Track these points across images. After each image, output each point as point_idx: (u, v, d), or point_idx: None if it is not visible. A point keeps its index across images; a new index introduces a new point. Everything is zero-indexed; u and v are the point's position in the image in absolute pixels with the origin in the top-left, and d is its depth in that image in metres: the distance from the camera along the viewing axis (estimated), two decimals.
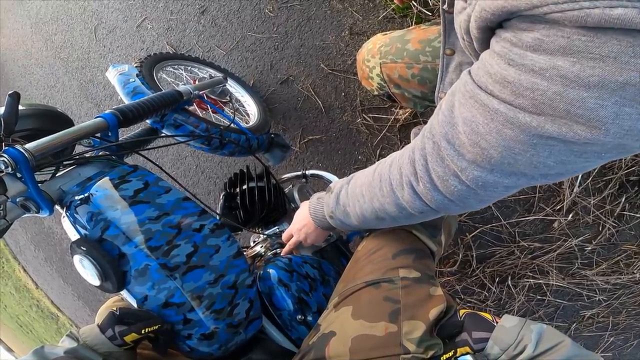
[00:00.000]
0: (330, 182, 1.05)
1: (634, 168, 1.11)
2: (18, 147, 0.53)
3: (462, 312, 0.51)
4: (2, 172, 0.53)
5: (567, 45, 0.29)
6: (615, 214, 1.17)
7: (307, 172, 1.07)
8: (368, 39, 1.32)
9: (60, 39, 2.20)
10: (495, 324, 0.46)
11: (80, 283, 3.19)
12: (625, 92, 0.28)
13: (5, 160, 0.51)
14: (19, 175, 0.54)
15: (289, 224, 0.95)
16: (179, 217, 0.60)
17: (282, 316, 0.66)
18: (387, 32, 0.84)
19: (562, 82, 0.30)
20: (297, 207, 0.98)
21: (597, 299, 1.28)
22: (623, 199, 1.15)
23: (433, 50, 0.71)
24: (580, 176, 1.15)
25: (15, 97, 0.58)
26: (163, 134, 0.93)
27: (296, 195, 0.99)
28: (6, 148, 0.52)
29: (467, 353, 0.46)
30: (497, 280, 1.35)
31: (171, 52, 1.72)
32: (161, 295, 0.55)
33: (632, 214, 1.16)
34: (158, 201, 0.60)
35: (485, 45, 0.38)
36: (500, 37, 0.34)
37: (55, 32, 2.21)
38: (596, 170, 1.14)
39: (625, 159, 1.11)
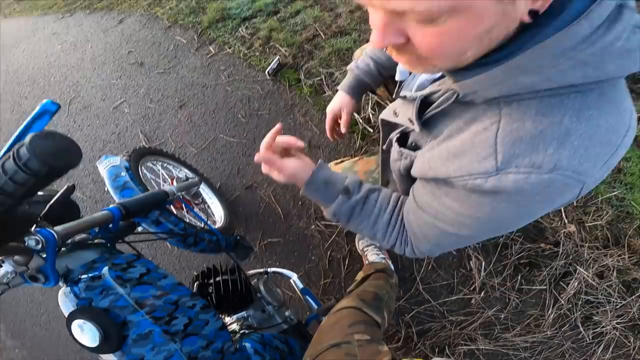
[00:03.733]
0: (289, 278, 1.23)
1: (522, 254, 1.47)
2: (50, 229, 0.65)
3: None
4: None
5: (457, 197, 0.51)
6: (516, 289, 1.48)
7: (269, 269, 1.25)
8: (323, 152, 1.65)
9: (29, 105, 2.17)
10: None
11: None
12: (481, 219, 0.52)
13: (38, 239, 0.62)
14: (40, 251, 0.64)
15: (255, 310, 1.09)
16: (176, 296, 0.74)
17: None
18: (339, 161, 1.04)
19: (456, 213, 0.53)
20: (262, 297, 1.13)
21: (522, 356, 1.46)
22: (519, 277, 1.47)
23: (374, 181, 0.92)
24: (483, 262, 1.48)
25: (71, 190, 0.71)
26: (143, 229, 1.03)
27: (262, 287, 1.15)
28: (39, 229, 0.64)
29: None
30: (437, 350, 1.52)
31: (144, 142, 1.87)
32: (160, 356, 0.66)
33: (529, 287, 1.47)
34: (159, 283, 0.74)
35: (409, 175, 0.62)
36: (428, 181, 0.57)
37: (27, 96, 2.18)
38: (495, 257, 1.48)
39: (513, 249, 1.46)
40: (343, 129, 0.90)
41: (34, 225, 0.67)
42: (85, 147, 2.00)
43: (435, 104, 0.50)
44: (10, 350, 2.41)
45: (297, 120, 1.69)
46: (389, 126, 0.65)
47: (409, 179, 0.64)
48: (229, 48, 1.88)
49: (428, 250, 0.66)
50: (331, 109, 0.93)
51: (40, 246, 0.62)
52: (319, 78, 1.71)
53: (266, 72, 1.77)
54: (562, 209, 1.46)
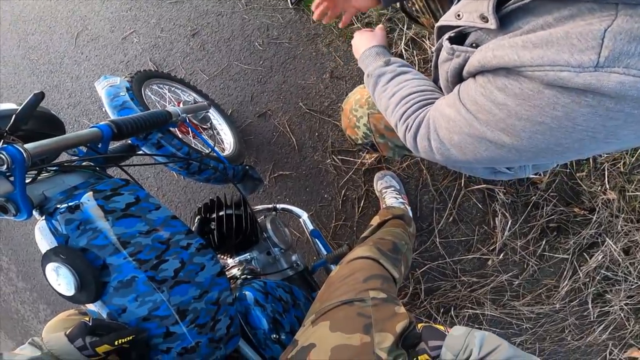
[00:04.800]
0: (299, 217, 1.11)
1: (553, 217, 1.31)
2: (18, 146, 0.51)
3: (419, 325, 0.58)
4: None
5: (519, 93, 0.43)
6: (537, 254, 1.35)
7: (278, 205, 1.11)
8: (346, 83, 1.45)
9: (36, 40, 2.06)
10: (447, 333, 0.53)
11: (4, 315, 2.73)
12: (539, 127, 0.43)
13: (3, 157, 0.49)
14: (8, 174, 0.51)
15: (259, 252, 0.98)
16: (167, 233, 0.61)
17: (257, 335, 0.67)
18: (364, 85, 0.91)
19: (507, 113, 0.45)
20: (269, 237, 1.01)
21: (524, 326, 1.41)
22: (544, 242, 1.33)
23: None
24: (510, 221, 1.32)
25: (40, 97, 0.56)
26: (142, 152, 0.91)
27: (269, 226, 1.02)
28: (5, 145, 0.50)
29: None
30: (442, 310, 1.45)
31: (153, 69, 1.70)
32: (144, 308, 0.54)
33: (551, 254, 1.35)
34: (148, 217, 0.60)
35: (458, 82, 0.54)
36: (483, 75, 0.48)
37: (34, 32, 2.07)
38: (523, 217, 1.32)
39: (544, 210, 1.30)
40: (342, 21, 0.83)
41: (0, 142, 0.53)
42: (93, 76, 1.90)
43: None
44: (22, 293, 2.46)
45: (319, 50, 1.49)
46: (443, 31, 0.57)
47: (455, 86, 0.55)
48: None
49: (441, 150, 0.57)
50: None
51: (5, 166, 0.49)
52: None
53: (288, 0, 1.52)
54: (607, 173, 1.26)
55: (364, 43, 0.76)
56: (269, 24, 1.56)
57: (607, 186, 1.27)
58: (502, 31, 0.46)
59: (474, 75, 0.50)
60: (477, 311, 1.42)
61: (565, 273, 1.36)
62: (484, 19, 0.47)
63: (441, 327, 0.55)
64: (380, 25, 0.80)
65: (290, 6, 1.54)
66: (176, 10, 1.73)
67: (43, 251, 0.55)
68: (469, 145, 0.52)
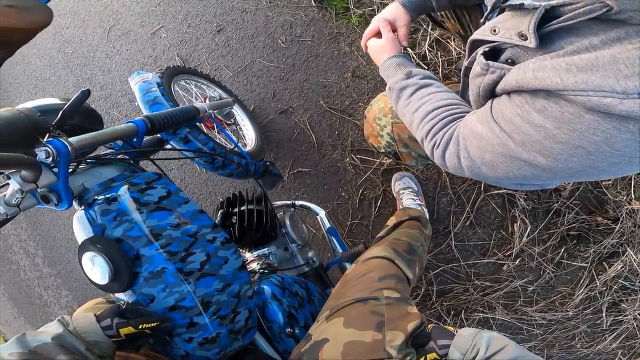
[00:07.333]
0: (317, 214, 1.13)
1: (574, 225, 1.28)
2: (63, 140, 0.53)
3: (430, 326, 0.59)
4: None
5: (559, 116, 0.42)
6: (555, 262, 1.33)
7: (296, 202, 1.13)
8: (368, 83, 1.45)
9: (70, 34, 2.14)
10: (455, 334, 0.54)
11: (27, 300, 2.81)
12: (577, 151, 0.43)
13: (49, 150, 0.51)
14: (52, 166, 0.54)
15: (277, 248, 1.00)
16: (196, 227, 0.63)
17: (273, 328, 0.69)
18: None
19: (544, 136, 0.44)
20: (287, 233, 1.03)
21: (535, 332, 1.40)
22: (563, 250, 1.31)
23: None
24: (529, 227, 1.30)
25: (87, 95, 0.59)
26: (170, 146, 0.95)
27: (288, 222, 1.04)
28: (51, 139, 0.53)
29: (435, 359, 0.53)
30: (452, 313, 1.45)
31: (180, 64, 1.75)
32: (171, 299, 0.57)
33: (569, 262, 1.32)
34: (179, 210, 0.63)
35: (490, 97, 0.53)
36: (519, 94, 0.47)
37: (68, 27, 2.15)
38: (543, 224, 1.30)
39: (566, 218, 1.27)
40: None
41: (46, 136, 0.56)
42: (124, 70, 1.97)
43: (566, 17, 0.42)
44: (47, 278, 2.55)
45: (342, 49, 1.49)
46: (477, 45, 0.56)
47: (487, 101, 0.55)
48: None
49: (471, 168, 0.56)
50: (382, 17, 0.76)
51: (51, 159, 0.52)
52: (371, 9, 1.45)
53: None
54: (634, 183, 1.22)
55: (383, 52, 0.73)
56: (292, 22, 1.57)
57: (633, 196, 1.23)
58: (542, 50, 0.45)
59: (508, 93, 0.49)
60: (488, 315, 1.41)
61: (582, 281, 1.34)
62: (523, 37, 0.46)
63: (450, 328, 0.57)
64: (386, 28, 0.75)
65: (314, 4, 1.54)
66: (203, 6, 1.76)
67: (80, 240, 0.58)
68: (501, 164, 0.51)
